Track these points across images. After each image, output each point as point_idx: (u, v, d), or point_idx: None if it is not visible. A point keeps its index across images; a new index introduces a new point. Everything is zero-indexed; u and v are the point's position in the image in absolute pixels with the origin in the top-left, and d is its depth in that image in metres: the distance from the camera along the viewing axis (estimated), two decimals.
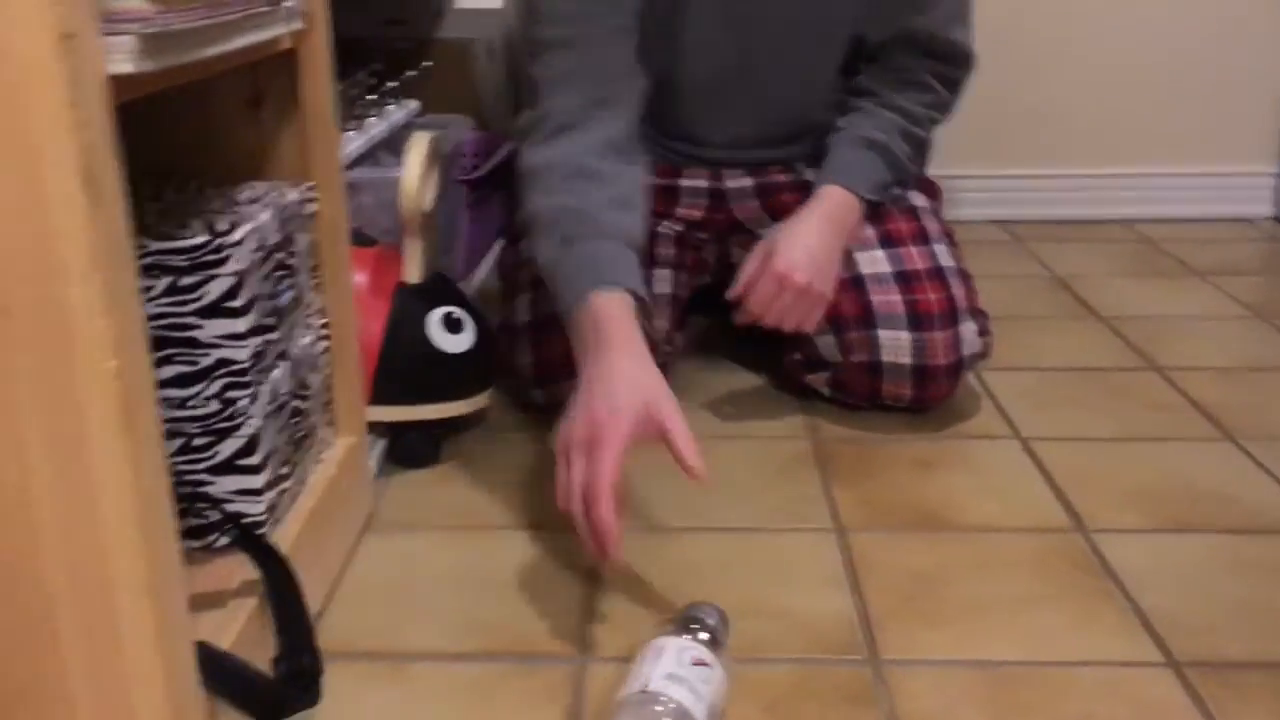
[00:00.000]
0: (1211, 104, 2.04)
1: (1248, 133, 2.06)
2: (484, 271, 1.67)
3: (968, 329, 1.23)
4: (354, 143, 1.34)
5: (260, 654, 0.78)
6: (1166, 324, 1.56)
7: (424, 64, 1.57)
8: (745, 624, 0.91)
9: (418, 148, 1.12)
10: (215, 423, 0.82)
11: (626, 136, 1.12)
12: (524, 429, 1.27)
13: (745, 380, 1.40)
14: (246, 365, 0.82)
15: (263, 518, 0.84)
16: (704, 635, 0.81)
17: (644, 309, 1.02)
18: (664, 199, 1.34)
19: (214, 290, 0.79)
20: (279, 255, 0.88)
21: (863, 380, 1.25)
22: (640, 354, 0.95)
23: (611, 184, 1.07)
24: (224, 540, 0.84)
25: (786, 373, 1.34)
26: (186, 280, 0.79)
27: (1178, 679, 0.84)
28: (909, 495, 1.11)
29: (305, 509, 0.91)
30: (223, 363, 0.81)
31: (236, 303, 0.80)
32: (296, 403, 0.91)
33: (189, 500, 0.81)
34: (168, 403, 0.81)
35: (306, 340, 0.94)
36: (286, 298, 0.89)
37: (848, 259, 1.25)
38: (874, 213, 1.27)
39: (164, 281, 0.79)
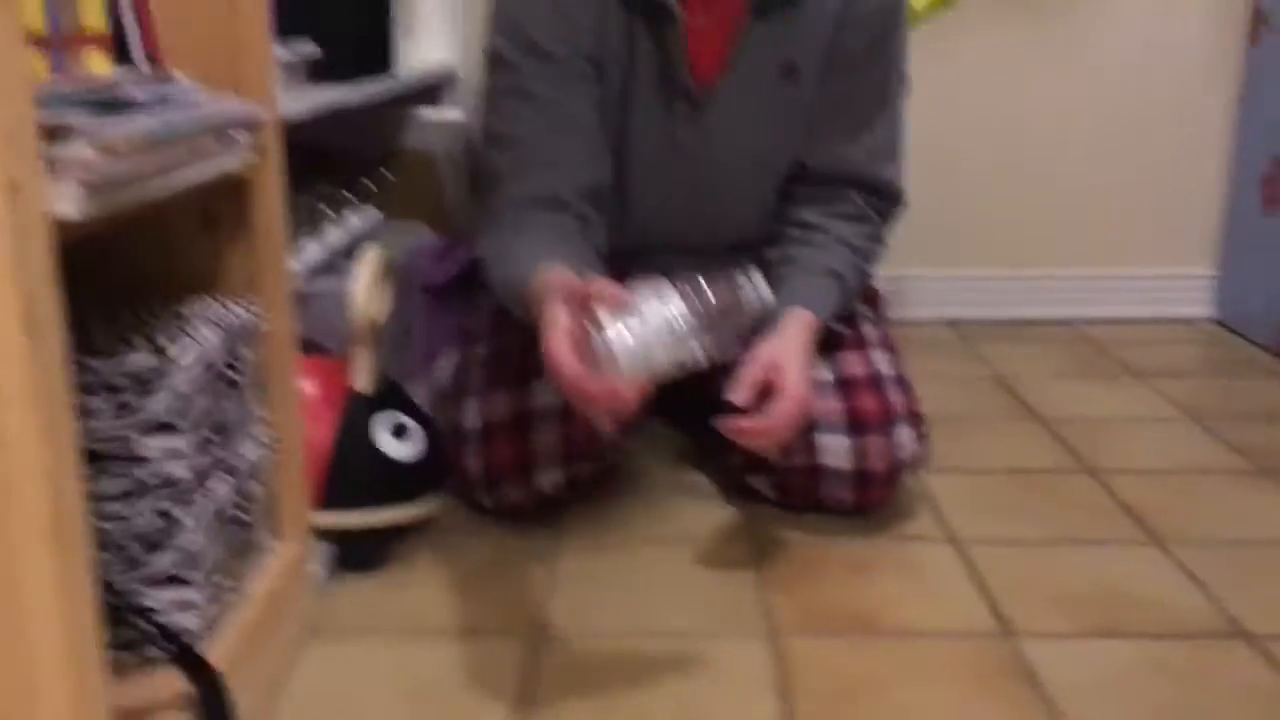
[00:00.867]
0: (1154, 209, 2.12)
1: (1188, 236, 2.14)
2: (439, 373, 1.70)
3: (904, 434, 1.27)
4: (312, 251, 1.38)
5: None
6: (1104, 426, 1.61)
7: (381, 172, 1.62)
8: None
9: (367, 265, 1.16)
10: (154, 536, 0.84)
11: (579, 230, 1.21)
12: (473, 532, 1.29)
13: (689, 483, 1.43)
14: (189, 481, 0.84)
15: (199, 630, 0.86)
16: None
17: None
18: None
19: (156, 408, 0.83)
20: (225, 372, 0.91)
21: (804, 484, 1.28)
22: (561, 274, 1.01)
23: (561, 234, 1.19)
24: (158, 654, 0.86)
25: (729, 474, 1.38)
26: (130, 399, 0.82)
27: None
28: (844, 600, 1.14)
29: (245, 619, 0.93)
30: (164, 479, 0.84)
31: (180, 420, 0.83)
32: (238, 513, 0.94)
33: (124, 611, 0.83)
34: (108, 516, 0.83)
35: (250, 452, 0.97)
36: (231, 412, 0.92)
37: None
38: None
39: (109, 400, 0.82)
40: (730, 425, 1.14)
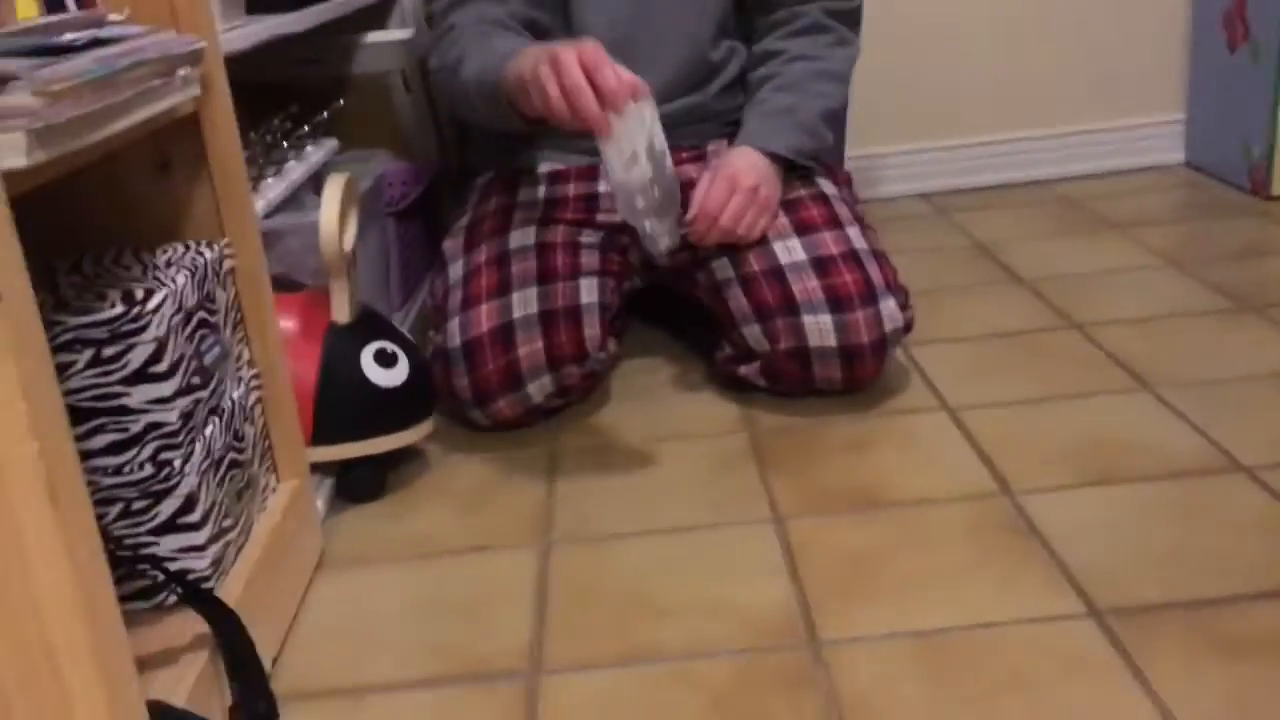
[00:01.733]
0: (1118, 60, 2.09)
1: (1154, 83, 2.12)
2: (419, 301, 1.69)
3: (888, 306, 1.27)
4: (275, 189, 1.36)
5: (217, 705, 0.81)
6: (1086, 281, 1.61)
7: (337, 102, 1.59)
8: (688, 621, 0.94)
9: (333, 190, 1.14)
10: (151, 485, 0.84)
11: None
12: (469, 451, 1.29)
13: (682, 380, 1.43)
14: (177, 426, 0.84)
15: (208, 573, 0.86)
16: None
17: None
18: (584, 207, 1.38)
19: (136, 358, 0.82)
20: (200, 314, 0.90)
21: (793, 367, 1.29)
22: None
23: (513, 25, 1.32)
24: (172, 599, 0.86)
25: (720, 369, 1.38)
26: (108, 351, 0.81)
27: (1099, 627, 0.88)
28: (844, 478, 1.15)
29: (252, 558, 0.93)
30: (153, 427, 0.83)
31: (160, 367, 0.82)
32: (233, 455, 0.94)
33: (133, 563, 0.84)
34: (102, 471, 0.83)
35: (238, 393, 0.96)
36: (212, 355, 0.91)
37: (766, 249, 1.29)
38: (792, 180, 1.36)
39: (86, 354, 0.81)
40: (687, 226, 1.27)
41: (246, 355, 1.00)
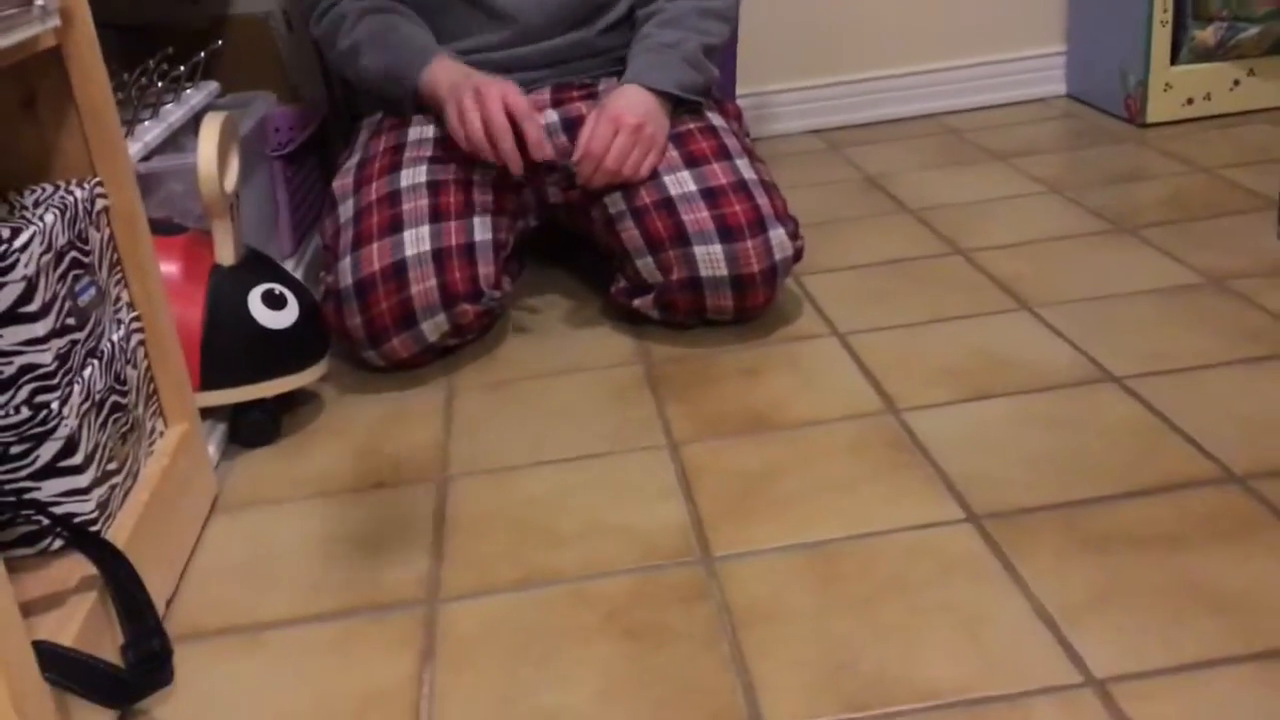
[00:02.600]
0: None
1: (1036, 17, 2.16)
2: (312, 246, 1.66)
3: (777, 235, 1.29)
4: (152, 131, 1.32)
5: (109, 646, 0.80)
6: (970, 209, 1.65)
7: (215, 43, 1.54)
8: (585, 544, 0.96)
9: (210, 129, 1.11)
10: (29, 429, 0.82)
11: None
12: (365, 392, 1.29)
13: (576, 316, 1.44)
14: (53, 368, 0.82)
15: (94, 516, 0.85)
16: None
17: None
18: None
19: (5, 298, 0.80)
20: (72, 254, 0.88)
21: (686, 297, 1.30)
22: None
23: (404, 12, 1.38)
24: (57, 544, 0.85)
25: (614, 302, 1.39)
26: None
27: (977, 531, 0.91)
28: (737, 403, 1.17)
29: (141, 501, 0.92)
30: (27, 369, 0.81)
31: (31, 307, 0.80)
32: (116, 398, 0.92)
33: (15, 509, 0.82)
34: None
35: (117, 335, 0.94)
36: (87, 296, 0.89)
37: (656, 182, 1.30)
38: (681, 114, 1.37)
39: None
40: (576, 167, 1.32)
41: (126, 297, 0.98)
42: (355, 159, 1.40)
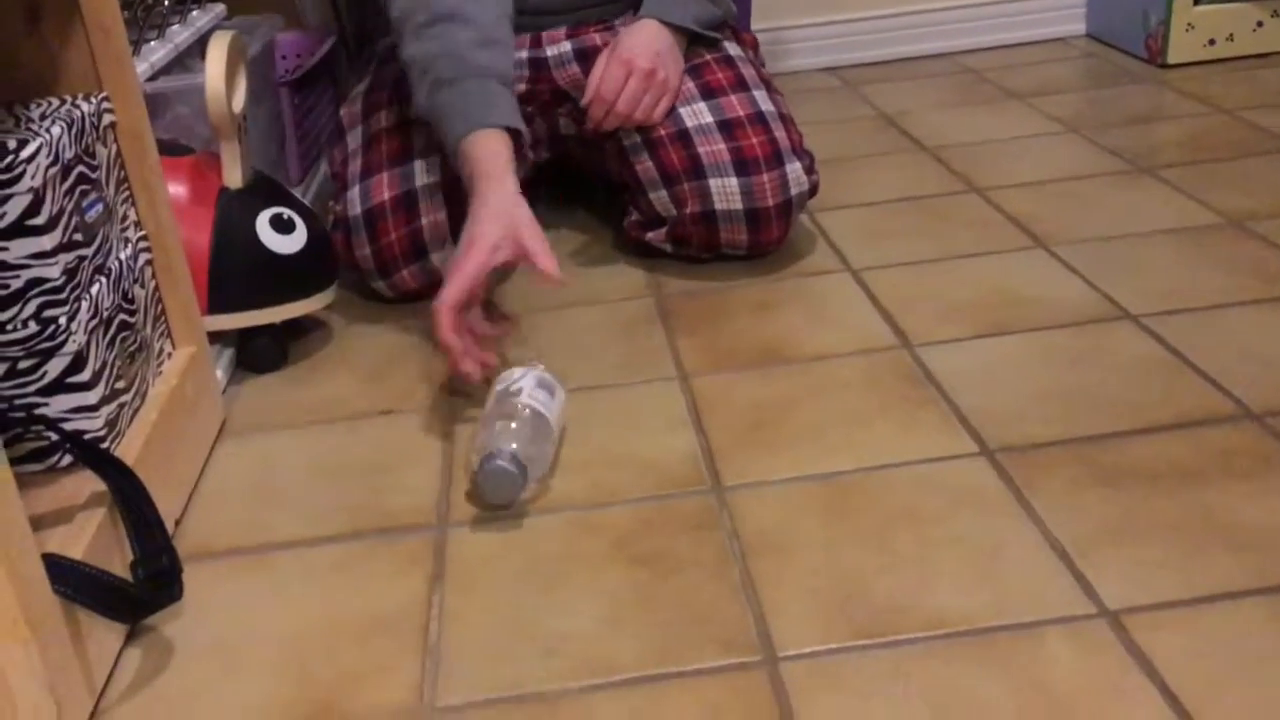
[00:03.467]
0: None
1: None
2: (319, 175, 1.65)
3: (793, 169, 1.27)
4: (157, 52, 1.30)
5: (118, 561, 0.80)
6: (987, 148, 1.63)
7: None
8: (595, 473, 0.95)
9: (218, 46, 1.09)
10: (37, 344, 0.81)
11: None
12: (373, 321, 1.28)
13: (589, 249, 1.42)
14: (60, 282, 0.81)
15: (102, 433, 0.85)
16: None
17: (519, 139, 1.15)
18: None
19: (12, 210, 0.78)
20: (79, 169, 0.86)
21: (700, 230, 1.29)
22: (507, 187, 1.09)
23: (475, 24, 1.17)
24: (66, 460, 0.84)
25: (627, 236, 1.37)
26: None
27: (990, 464, 0.91)
28: (749, 336, 1.16)
29: (149, 421, 0.91)
30: (34, 282, 0.80)
31: (39, 220, 0.79)
32: (123, 316, 0.91)
33: (24, 424, 0.81)
34: None
35: (125, 254, 0.93)
36: (94, 212, 0.88)
37: (673, 114, 1.28)
38: (700, 49, 1.33)
39: None
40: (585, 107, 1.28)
41: (133, 216, 0.97)
42: (364, 85, 1.38)
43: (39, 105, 0.91)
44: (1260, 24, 1.89)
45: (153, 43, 1.31)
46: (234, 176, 1.14)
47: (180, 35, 1.38)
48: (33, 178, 0.78)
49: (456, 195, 1.25)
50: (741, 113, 1.28)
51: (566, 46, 1.37)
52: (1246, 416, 0.94)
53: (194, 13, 1.45)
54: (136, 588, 0.77)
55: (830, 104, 1.92)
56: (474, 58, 1.15)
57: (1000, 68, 2.02)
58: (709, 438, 0.99)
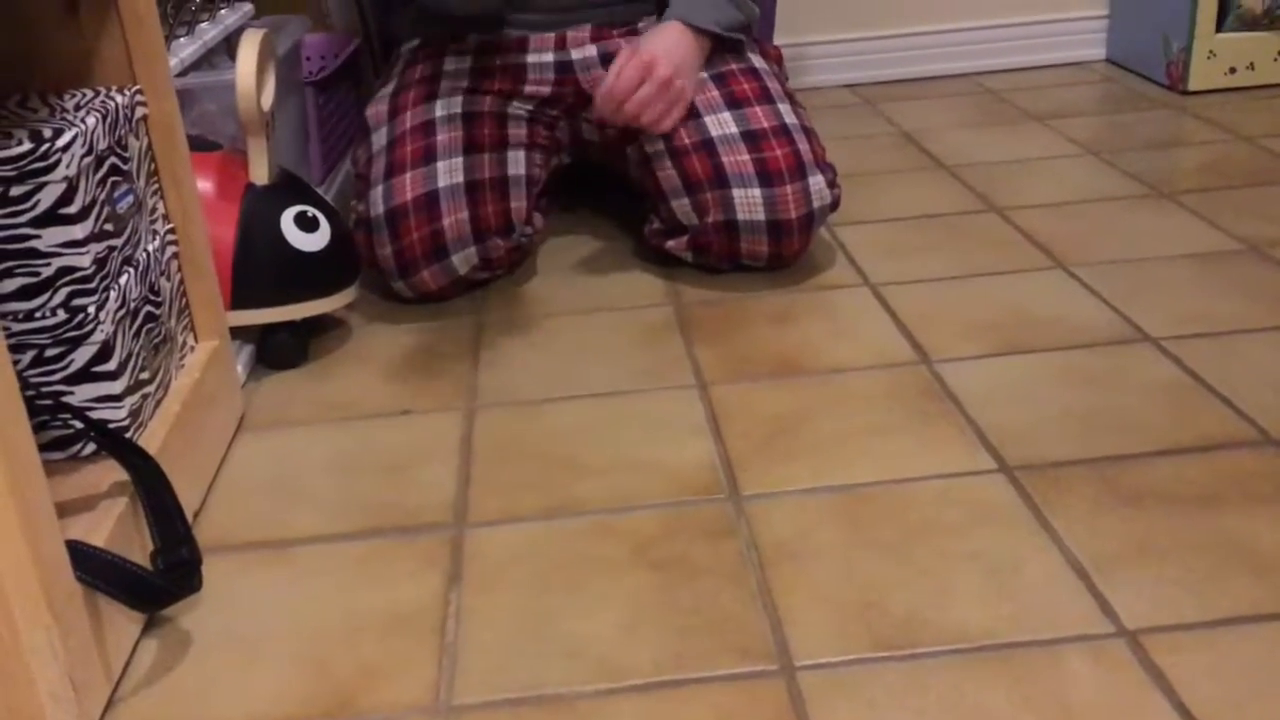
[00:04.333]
0: None
1: None
2: (341, 176, 1.65)
3: (816, 182, 1.27)
4: (187, 48, 1.31)
5: (138, 551, 0.80)
6: (1006, 168, 1.63)
7: None
8: (613, 477, 0.95)
9: (249, 44, 1.10)
10: (65, 332, 0.82)
11: None
12: (392, 320, 1.28)
13: (609, 255, 1.43)
14: (90, 271, 0.82)
15: (126, 423, 0.85)
16: None
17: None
18: (511, 77, 1.35)
19: (46, 198, 0.79)
20: (111, 160, 0.87)
21: (721, 240, 1.29)
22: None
23: None
24: (89, 448, 0.85)
25: (647, 243, 1.38)
26: (17, 190, 0.78)
27: (1009, 481, 0.91)
28: (768, 347, 1.17)
29: (171, 412, 0.92)
30: (65, 271, 0.81)
31: (71, 209, 0.80)
32: (149, 308, 0.92)
33: (49, 412, 0.82)
34: (13, 316, 0.81)
35: (153, 246, 0.94)
36: (125, 203, 0.89)
37: (697, 123, 1.28)
38: (723, 54, 1.34)
39: None
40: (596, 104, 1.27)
41: (161, 209, 0.97)
42: (390, 87, 1.39)
43: (73, 96, 0.91)
44: None
45: (182, 39, 1.32)
46: (260, 173, 1.15)
47: (209, 33, 1.39)
48: (67, 167, 0.79)
49: (477, 196, 1.26)
50: (766, 124, 1.28)
51: (592, 51, 1.37)
52: (1266, 442, 0.94)
53: (223, 11, 1.46)
54: (157, 577, 0.77)
55: (849, 120, 1.92)
56: None
57: (1020, 89, 2.03)
58: (727, 446, 0.99)
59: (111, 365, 0.83)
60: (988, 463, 0.94)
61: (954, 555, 0.83)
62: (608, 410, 1.06)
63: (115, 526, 0.77)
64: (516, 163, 1.32)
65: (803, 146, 1.27)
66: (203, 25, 1.39)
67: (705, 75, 1.32)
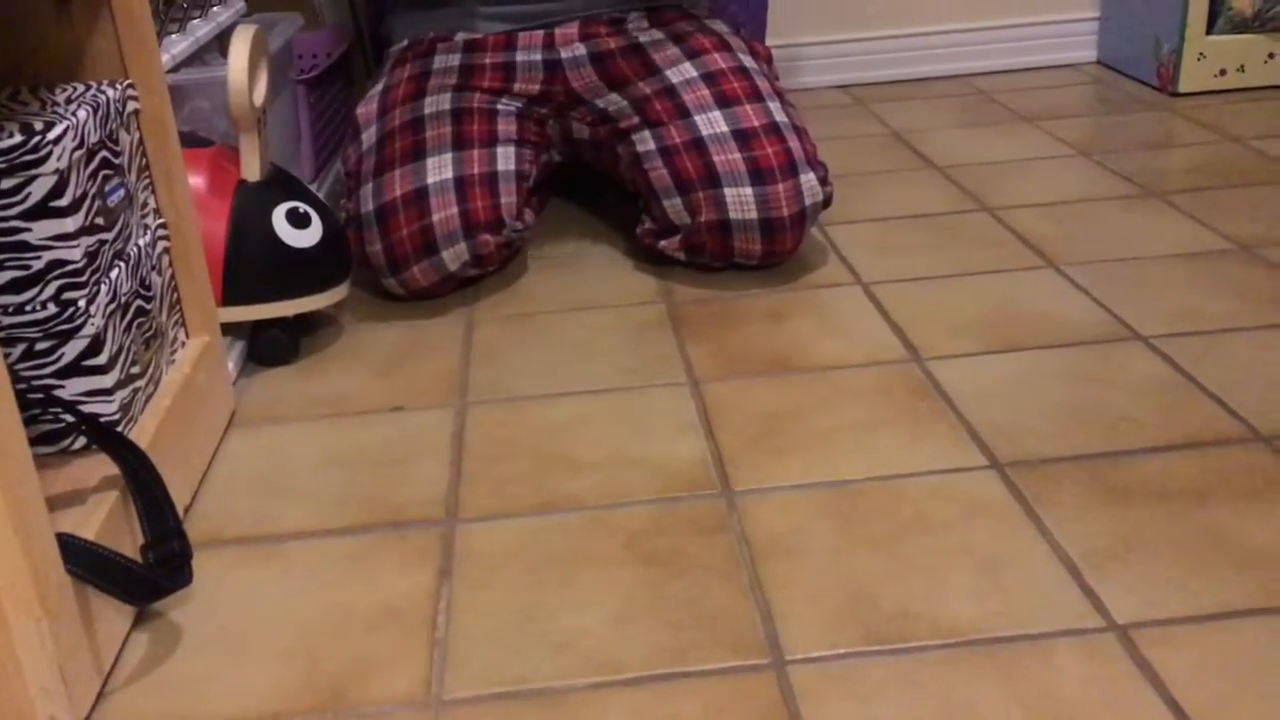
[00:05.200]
0: None
1: None
2: (333, 173, 1.65)
3: (808, 179, 1.27)
4: (179, 45, 1.31)
5: (129, 544, 0.80)
6: (996, 168, 1.64)
7: None
8: (605, 473, 0.95)
9: (241, 40, 1.10)
10: (56, 326, 0.82)
11: None
12: (383, 318, 1.28)
13: (600, 254, 1.43)
14: (80, 265, 0.81)
15: (116, 417, 0.85)
16: None
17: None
18: (501, 75, 1.35)
19: (37, 190, 0.79)
20: (103, 154, 0.87)
21: (714, 239, 1.29)
22: None
23: None
24: (80, 442, 0.84)
25: (640, 242, 1.38)
26: (7, 183, 0.78)
27: (1000, 478, 0.91)
28: (760, 345, 1.17)
29: (162, 407, 0.92)
30: (55, 264, 0.81)
31: (62, 202, 0.80)
32: (140, 303, 0.91)
33: (40, 405, 0.82)
34: (3, 309, 0.80)
35: (144, 240, 0.93)
36: (116, 197, 0.88)
37: (688, 121, 1.28)
38: (717, 55, 1.34)
39: None
40: None
41: (152, 204, 0.97)
42: (380, 85, 1.39)
43: (64, 89, 0.91)
44: (1272, 55, 1.91)
45: (174, 35, 1.31)
46: (252, 169, 1.14)
47: (201, 29, 1.38)
48: (58, 159, 0.79)
49: (466, 191, 1.26)
50: (756, 123, 1.28)
51: (581, 50, 1.37)
52: (1255, 439, 0.94)
53: (214, 8, 1.46)
54: (148, 571, 0.77)
55: (841, 121, 1.93)
56: None
57: (1010, 90, 2.03)
58: (719, 442, 0.99)
59: (102, 359, 0.83)
60: (978, 459, 0.94)
61: (945, 550, 0.83)
62: (599, 407, 1.07)
63: (106, 520, 0.77)
64: (506, 158, 1.31)
65: (794, 144, 1.27)
66: (195, 22, 1.39)
67: (695, 74, 1.32)
